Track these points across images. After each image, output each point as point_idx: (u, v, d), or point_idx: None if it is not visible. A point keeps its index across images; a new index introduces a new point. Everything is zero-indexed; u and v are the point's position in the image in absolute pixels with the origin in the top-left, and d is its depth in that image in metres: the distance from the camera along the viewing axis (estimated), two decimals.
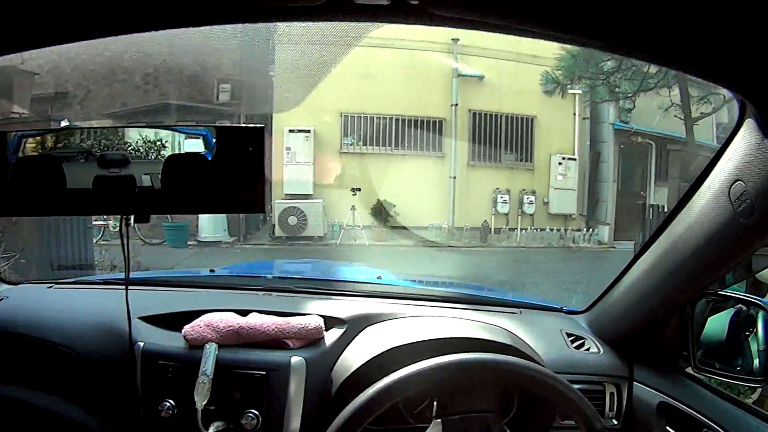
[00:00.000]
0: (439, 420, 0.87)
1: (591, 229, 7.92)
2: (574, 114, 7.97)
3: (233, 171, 0.95)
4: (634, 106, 7.71)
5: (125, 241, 1.04)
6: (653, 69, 6.94)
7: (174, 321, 1.14)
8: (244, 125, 1.06)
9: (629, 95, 7.53)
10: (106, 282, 1.41)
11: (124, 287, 1.07)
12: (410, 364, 0.84)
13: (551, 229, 7.80)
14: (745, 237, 0.79)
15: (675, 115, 7.23)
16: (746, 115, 0.72)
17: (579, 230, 7.88)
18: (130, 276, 1.11)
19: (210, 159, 0.96)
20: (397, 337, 1.08)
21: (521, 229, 7.75)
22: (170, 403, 1.04)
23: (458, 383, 0.85)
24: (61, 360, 1.14)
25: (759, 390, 1.69)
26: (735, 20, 0.53)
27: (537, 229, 7.76)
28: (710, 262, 0.90)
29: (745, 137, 0.73)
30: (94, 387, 1.15)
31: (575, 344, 1.21)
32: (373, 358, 1.04)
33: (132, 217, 1.00)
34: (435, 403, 0.88)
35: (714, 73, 0.63)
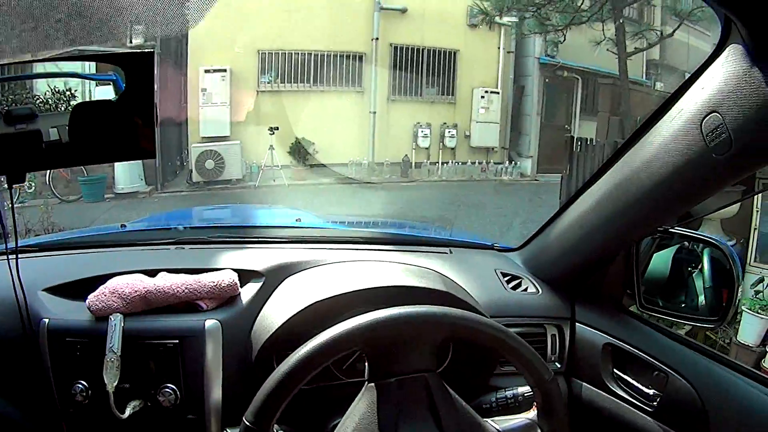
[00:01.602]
0: (372, 384, 0.74)
1: (513, 162, 7.96)
2: (499, 48, 7.84)
3: (122, 109, 0.88)
4: (564, 40, 7.64)
5: (3, 205, 0.93)
6: (587, 3, 6.89)
7: (82, 288, 1.02)
8: (130, 50, 0.91)
9: (560, 28, 7.45)
10: (4, 252, 1.25)
11: (15, 257, 0.95)
12: (335, 321, 0.73)
13: (473, 163, 7.77)
14: (718, 173, 0.72)
15: (608, 50, 7.21)
16: (730, 39, 0.63)
17: (501, 163, 7.89)
18: (30, 242, 1.04)
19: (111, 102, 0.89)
20: (320, 290, 0.98)
21: (442, 163, 7.68)
22: (83, 384, 0.93)
23: (391, 342, 0.73)
24: None
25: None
26: None
27: (458, 163, 7.71)
28: (673, 199, 0.82)
29: (727, 64, 0.64)
30: (6, 371, 1.02)
31: (511, 284, 1.14)
32: (294, 316, 0.94)
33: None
34: (366, 364, 0.75)
35: None
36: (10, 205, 0.94)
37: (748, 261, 3.47)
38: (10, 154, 0.87)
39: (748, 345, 3.11)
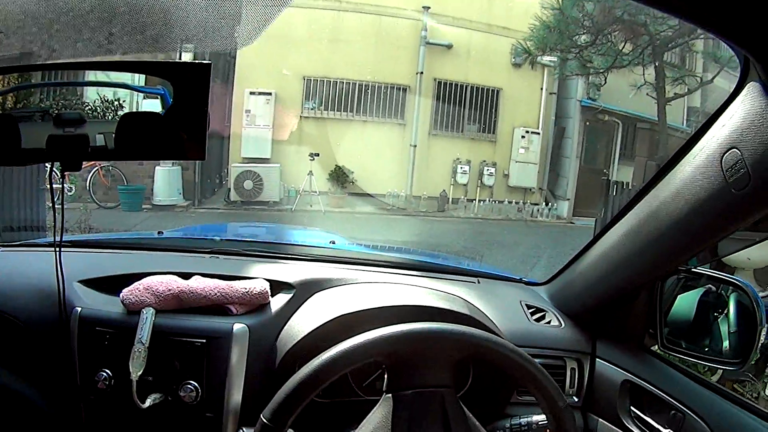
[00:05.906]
0: (390, 395, 0.77)
1: (550, 204, 7.89)
2: (542, 88, 7.86)
3: (176, 113, 0.90)
4: (605, 83, 7.62)
5: (54, 195, 0.97)
6: (628, 46, 6.88)
7: (116, 284, 1.08)
8: (190, 61, 0.96)
9: (601, 71, 7.43)
10: (50, 244, 1.33)
11: (59, 249, 1.00)
12: (359, 334, 0.77)
13: (510, 202, 7.74)
14: (737, 209, 0.73)
15: (647, 94, 7.17)
16: (749, 78, 0.65)
17: (537, 204, 7.83)
18: (72, 238, 1.09)
19: (158, 115, 0.92)
20: (347, 304, 1.03)
21: (479, 201, 7.67)
22: (107, 373, 0.97)
23: (411, 355, 0.77)
24: (2, 326, 1.07)
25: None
26: None
27: (495, 201, 7.69)
28: (694, 235, 0.83)
29: (746, 102, 0.66)
30: (34, 355, 1.08)
31: (535, 317, 1.17)
32: (320, 327, 0.99)
33: (58, 164, 0.92)
34: (385, 375, 0.79)
35: (718, 23, 0.53)
36: (60, 202, 0.98)
37: None
38: (59, 153, 0.92)
39: None
